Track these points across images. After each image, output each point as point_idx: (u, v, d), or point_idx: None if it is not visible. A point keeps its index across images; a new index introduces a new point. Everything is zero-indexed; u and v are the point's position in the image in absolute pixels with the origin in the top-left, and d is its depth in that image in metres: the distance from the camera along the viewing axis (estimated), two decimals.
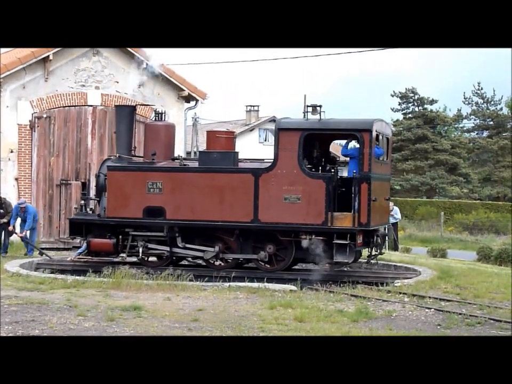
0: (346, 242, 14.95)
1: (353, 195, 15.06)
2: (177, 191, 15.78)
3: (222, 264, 16.25)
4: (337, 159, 21.71)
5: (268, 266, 15.95)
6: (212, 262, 16.18)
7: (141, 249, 16.07)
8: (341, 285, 14.54)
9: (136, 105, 17.98)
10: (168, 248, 16.13)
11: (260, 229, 15.53)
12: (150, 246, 16.18)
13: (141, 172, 16.07)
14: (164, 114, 17.19)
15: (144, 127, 17.85)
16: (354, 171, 15.10)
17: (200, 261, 16.80)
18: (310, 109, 15.34)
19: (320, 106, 15.25)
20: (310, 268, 17.00)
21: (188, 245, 16.05)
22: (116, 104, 20.04)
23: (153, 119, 17.56)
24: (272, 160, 15.47)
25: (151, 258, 16.80)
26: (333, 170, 15.53)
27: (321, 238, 15.09)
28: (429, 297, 13.16)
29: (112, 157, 17.19)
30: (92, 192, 19.11)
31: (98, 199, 16.84)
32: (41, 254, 18.03)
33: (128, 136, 16.90)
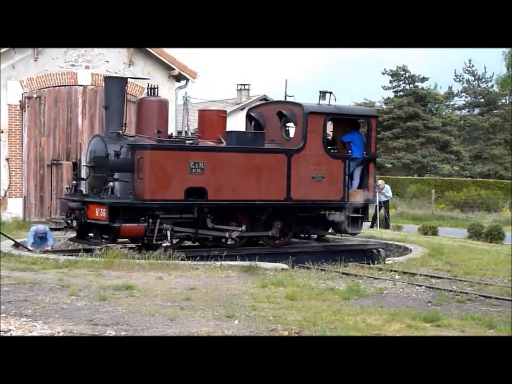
0: (360, 215, 16.96)
1: (362, 174, 17.10)
2: (217, 171, 15.46)
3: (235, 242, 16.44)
4: None
5: (277, 241, 16.81)
6: (228, 241, 16.35)
7: (169, 233, 15.24)
8: (332, 263, 14.64)
9: (127, 77, 16.90)
10: (194, 230, 15.76)
11: (292, 206, 16.43)
12: (176, 229, 15.50)
13: (184, 151, 15.36)
14: (157, 89, 16.43)
15: (139, 102, 16.87)
16: (365, 152, 16.98)
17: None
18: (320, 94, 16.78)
19: (330, 92, 16.87)
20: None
21: (216, 226, 15.87)
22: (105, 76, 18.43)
23: (146, 94, 16.61)
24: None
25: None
26: (349, 151, 17.11)
27: (337, 212, 16.67)
28: (420, 274, 13.27)
29: (102, 134, 16.07)
30: (83, 172, 18.50)
31: (127, 180, 15.08)
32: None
33: (120, 112, 15.79)
